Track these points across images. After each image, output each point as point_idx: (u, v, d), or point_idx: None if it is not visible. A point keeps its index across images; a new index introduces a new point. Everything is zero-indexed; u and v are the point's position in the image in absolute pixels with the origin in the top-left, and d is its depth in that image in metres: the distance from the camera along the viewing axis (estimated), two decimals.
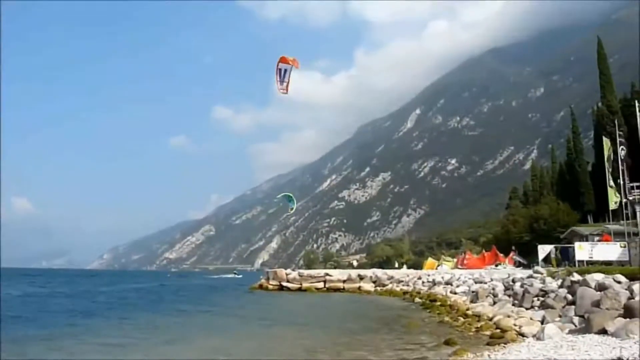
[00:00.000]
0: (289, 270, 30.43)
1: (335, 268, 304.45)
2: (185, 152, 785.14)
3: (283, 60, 14.33)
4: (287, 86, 14.38)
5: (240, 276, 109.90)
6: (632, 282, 10.25)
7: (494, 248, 34.58)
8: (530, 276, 16.04)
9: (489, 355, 8.98)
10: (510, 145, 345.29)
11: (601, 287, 10.32)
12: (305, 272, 30.23)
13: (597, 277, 11.34)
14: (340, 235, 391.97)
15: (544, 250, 24.47)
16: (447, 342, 10.73)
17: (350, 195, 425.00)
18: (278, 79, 14.21)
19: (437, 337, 11.88)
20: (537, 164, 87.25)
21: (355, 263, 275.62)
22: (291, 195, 31.79)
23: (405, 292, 25.22)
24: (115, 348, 12.93)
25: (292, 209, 29.60)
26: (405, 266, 78.41)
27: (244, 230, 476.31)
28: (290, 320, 18.27)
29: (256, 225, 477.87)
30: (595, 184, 57.47)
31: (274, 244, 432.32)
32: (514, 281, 16.32)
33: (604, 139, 27.36)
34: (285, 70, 14.21)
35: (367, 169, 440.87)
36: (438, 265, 37.84)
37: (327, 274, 29.36)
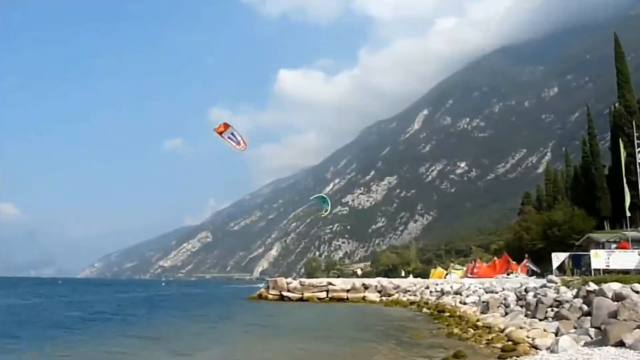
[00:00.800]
0: (289, 279, 30.41)
1: (338, 277, 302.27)
2: (181, 155, 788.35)
3: (220, 129, 15.20)
4: (243, 141, 15.33)
5: None
6: None
7: (505, 255, 34.46)
8: (544, 285, 15.99)
9: None
10: (522, 147, 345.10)
11: (618, 297, 10.29)
12: (307, 281, 30.22)
13: (614, 287, 11.28)
14: (343, 242, 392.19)
15: (558, 258, 24.43)
16: (456, 355, 10.72)
17: (354, 200, 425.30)
18: (233, 144, 15.15)
19: (446, 350, 11.86)
20: (551, 167, 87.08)
21: (359, 271, 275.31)
22: (325, 196, 31.47)
23: (412, 302, 25.18)
24: (117, 356, 13.06)
25: (326, 210, 29.30)
26: (411, 275, 78.02)
27: (243, 237, 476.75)
28: (293, 330, 18.29)
29: (255, 231, 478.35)
30: (612, 188, 57.36)
31: (273, 252, 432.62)
32: (526, 291, 16.27)
33: (621, 141, 27.29)
34: (232, 134, 15.12)
35: (372, 173, 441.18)
36: (447, 274, 37.75)
37: (329, 283, 29.35)
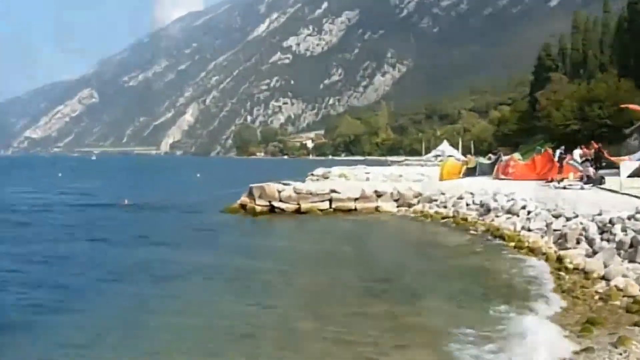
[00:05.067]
0: (280, 186, 32.89)
1: (281, 151, 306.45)
2: None
3: None
4: None
5: None
6: None
7: (548, 152, 37.66)
8: (632, 217, 18.92)
9: None
10: None
11: None
12: (304, 188, 32.70)
13: None
14: (285, 103, 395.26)
15: (626, 167, 27.55)
16: (592, 322, 11.31)
17: (299, 44, 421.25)
18: None
19: (567, 312, 12.43)
20: (581, 13, 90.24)
21: (310, 143, 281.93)
22: None
23: (444, 217, 28.13)
24: None
25: None
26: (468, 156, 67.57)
27: (143, 96, 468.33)
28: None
29: (161, 88, 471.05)
30: None
31: (188, 116, 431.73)
32: (611, 222, 19.09)
33: None
34: None
35: (325, 5, 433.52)
36: (463, 173, 41.02)
37: (333, 191, 31.74)
